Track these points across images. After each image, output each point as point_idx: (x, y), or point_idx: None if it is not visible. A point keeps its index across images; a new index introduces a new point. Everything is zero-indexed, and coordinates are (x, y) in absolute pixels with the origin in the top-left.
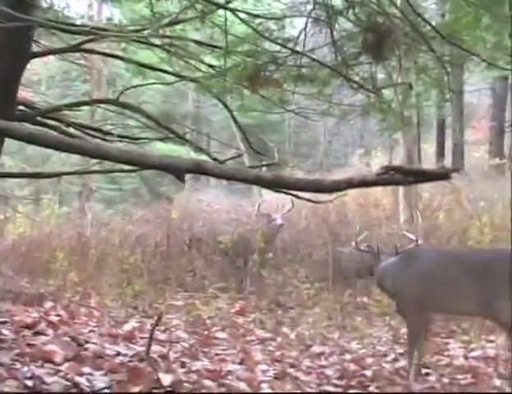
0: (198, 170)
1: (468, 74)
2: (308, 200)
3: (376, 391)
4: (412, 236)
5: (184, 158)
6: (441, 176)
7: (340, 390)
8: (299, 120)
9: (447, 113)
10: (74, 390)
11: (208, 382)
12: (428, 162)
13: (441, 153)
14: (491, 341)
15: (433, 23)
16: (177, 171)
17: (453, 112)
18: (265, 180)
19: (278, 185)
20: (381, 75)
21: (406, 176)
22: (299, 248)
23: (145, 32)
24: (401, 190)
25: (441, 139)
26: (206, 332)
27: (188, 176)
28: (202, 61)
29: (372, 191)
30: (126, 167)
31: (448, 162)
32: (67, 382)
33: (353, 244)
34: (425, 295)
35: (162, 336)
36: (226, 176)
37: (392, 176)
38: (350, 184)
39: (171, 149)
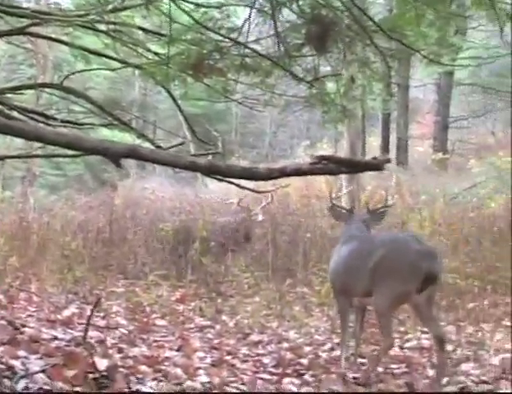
0: (134, 155)
1: (414, 69)
2: (251, 190)
3: (311, 379)
4: None
5: (120, 142)
6: (373, 166)
7: (275, 377)
8: (246, 110)
9: (393, 107)
10: (7, 373)
11: (144, 368)
12: (372, 155)
13: (385, 147)
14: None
15: (379, 17)
16: (113, 155)
17: (398, 107)
18: (200, 167)
19: (213, 171)
20: (327, 68)
21: (339, 165)
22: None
23: (90, 17)
24: (344, 182)
25: (386, 133)
26: (145, 319)
27: (134, 164)
28: (146, 48)
29: (315, 183)
30: (70, 153)
31: (392, 155)
32: (1, 365)
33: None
34: (342, 280)
35: (102, 323)
36: (161, 161)
37: (325, 166)
38: (284, 172)
39: (114, 136)
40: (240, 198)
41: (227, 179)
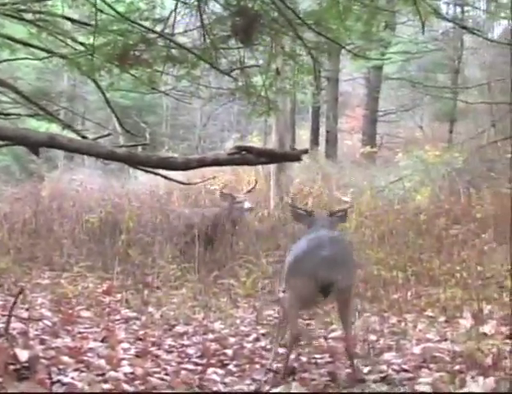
0: (54, 143)
1: (344, 63)
2: (178, 181)
3: (235, 369)
4: None
5: (39, 131)
6: (291, 157)
7: (199, 368)
8: (177, 103)
9: (322, 101)
10: None
11: (66, 359)
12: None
13: (314, 140)
14: (352, 323)
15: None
16: (32, 144)
17: (328, 100)
18: (118, 156)
19: (131, 161)
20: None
21: (258, 156)
22: (170, 229)
23: (14, 6)
24: (273, 175)
25: (316, 126)
26: (70, 311)
27: (62, 155)
28: (73, 39)
29: (244, 176)
30: None
31: (322, 148)
32: None
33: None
34: None
35: (26, 314)
36: (80, 150)
37: (244, 156)
38: (202, 163)
39: (41, 126)
40: (224, 184)
41: (155, 170)
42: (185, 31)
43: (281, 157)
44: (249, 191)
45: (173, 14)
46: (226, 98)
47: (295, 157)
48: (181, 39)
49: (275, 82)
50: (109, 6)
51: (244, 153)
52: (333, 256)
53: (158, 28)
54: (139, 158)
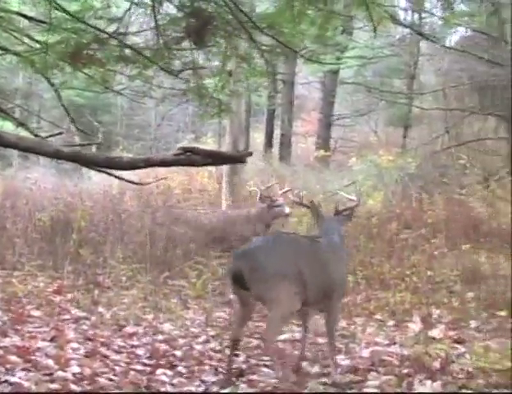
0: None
1: (300, 67)
2: (130, 182)
3: (184, 370)
4: None
5: None
6: (236, 159)
7: (148, 368)
8: (132, 102)
9: (278, 104)
10: None
11: (14, 358)
12: (257, 151)
13: (269, 142)
14: (300, 325)
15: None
16: None
17: (283, 103)
18: (64, 155)
19: (77, 160)
20: (214, 62)
21: (203, 157)
22: (122, 229)
23: None
24: (225, 177)
25: (270, 129)
26: (20, 310)
27: (16, 154)
28: (28, 36)
29: (197, 177)
30: None
31: (276, 151)
32: None
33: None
34: None
35: None
36: (26, 147)
37: (189, 157)
38: (148, 163)
39: None
40: (266, 186)
41: (108, 170)
42: (139, 31)
43: (226, 158)
44: (285, 193)
45: (127, 14)
46: (179, 99)
47: (240, 159)
48: (135, 39)
49: (227, 84)
50: (58, 6)
51: (189, 154)
52: (245, 251)
53: (112, 27)
54: (85, 158)
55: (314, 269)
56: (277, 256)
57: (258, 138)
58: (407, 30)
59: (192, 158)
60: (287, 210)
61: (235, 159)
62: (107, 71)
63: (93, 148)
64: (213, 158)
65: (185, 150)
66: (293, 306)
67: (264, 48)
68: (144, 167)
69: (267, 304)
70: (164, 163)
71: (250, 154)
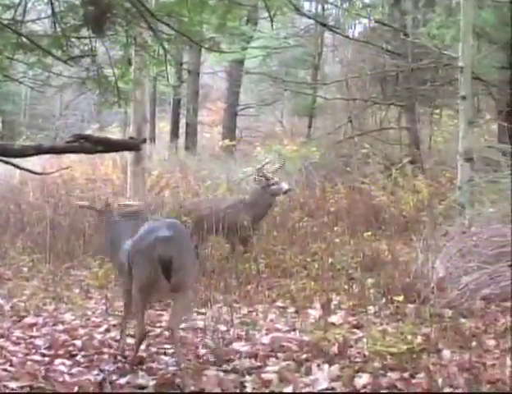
0: None
1: (206, 56)
2: (31, 171)
3: (82, 360)
4: None
5: None
6: (130, 146)
7: (46, 359)
8: (35, 92)
9: (183, 93)
10: None
11: None
12: (163, 141)
13: (175, 132)
14: (203, 314)
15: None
16: None
17: (188, 93)
18: None
19: None
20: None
21: (95, 144)
22: (22, 219)
23: None
24: (129, 166)
25: (176, 118)
26: None
27: None
28: None
29: (101, 167)
30: None
31: (181, 141)
32: None
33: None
34: None
35: None
36: None
37: (82, 145)
38: (39, 150)
39: None
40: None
41: (7, 160)
42: (37, 19)
43: (120, 145)
44: (277, 170)
45: (23, 1)
46: (79, 87)
47: (135, 146)
48: (34, 27)
49: (127, 73)
50: None
51: (82, 141)
52: (170, 237)
53: (9, 14)
54: None
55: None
56: (189, 242)
57: (164, 127)
58: (311, 21)
59: (84, 145)
60: (286, 186)
61: (130, 146)
62: (5, 58)
63: None
64: (106, 145)
65: (79, 137)
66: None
67: (164, 36)
68: (35, 154)
69: (181, 292)
70: (55, 150)
71: (145, 141)
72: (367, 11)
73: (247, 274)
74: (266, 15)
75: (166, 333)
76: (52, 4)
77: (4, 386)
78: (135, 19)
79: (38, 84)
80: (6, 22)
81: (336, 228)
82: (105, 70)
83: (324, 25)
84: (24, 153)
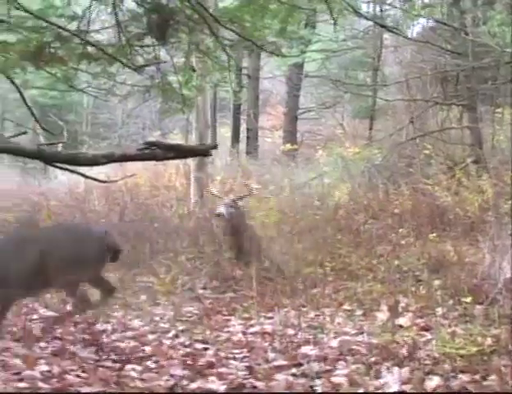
0: None
1: (265, 61)
2: (97, 180)
3: (152, 365)
4: None
5: None
6: (199, 152)
7: (117, 365)
8: (98, 101)
9: (244, 99)
10: None
11: None
12: (224, 146)
13: (235, 137)
14: (270, 318)
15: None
16: None
17: (249, 98)
18: (27, 152)
19: (40, 157)
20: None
21: (166, 151)
22: None
23: None
24: (193, 172)
25: (237, 123)
26: None
27: None
28: None
29: (165, 174)
30: None
31: (242, 146)
32: None
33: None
34: None
35: None
36: None
37: (153, 152)
38: (111, 158)
39: None
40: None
41: (72, 169)
42: (101, 29)
43: (189, 151)
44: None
45: (88, 11)
46: (143, 95)
47: (204, 151)
48: (97, 37)
49: (191, 79)
50: (19, 5)
51: (153, 148)
52: None
53: (74, 25)
54: (46, 155)
55: None
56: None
57: (225, 133)
58: (370, 23)
59: (155, 152)
60: (218, 210)
61: (199, 152)
62: (70, 69)
63: (59, 148)
64: (176, 152)
65: (149, 144)
66: None
67: (226, 42)
68: (107, 162)
69: None
70: (126, 158)
71: (215, 147)
72: (425, 11)
73: (312, 278)
74: (323, 18)
75: (234, 338)
76: (115, 13)
77: (78, 392)
78: (198, 25)
79: (102, 93)
80: (71, 32)
81: (400, 230)
82: (168, 77)
83: (383, 26)
84: (96, 161)
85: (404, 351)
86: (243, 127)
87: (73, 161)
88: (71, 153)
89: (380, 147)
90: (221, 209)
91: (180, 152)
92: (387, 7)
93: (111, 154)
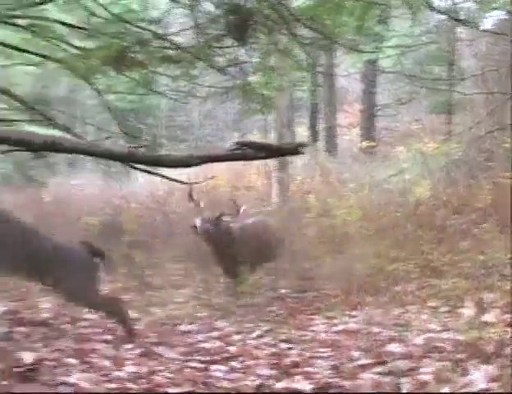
0: (52, 145)
1: (340, 58)
2: (178, 181)
3: (238, 365)
4: None
5: (38, 133)
6: (291, 150)
7: (203, 365)
8: (173, 103)
9: (320, 97)
10: None
11: (70, 360)
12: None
13: (313, 136)
14: (354, 316)
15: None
16: (31, 145)
17: (325, 96)
18: (116, 154)
19: (129, 158)
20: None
21: (257, 151)
22: (170, 229)
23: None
24: (274, 172)
25: (314, 122)
26: (74, 314)
27: (63, 160)
28: (69, 43)
29: (246, 174)
30: None
31: (321, 145)
32: None
33: None
34: None
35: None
36: (79, 150)
37: (244, 152)
38: (203, 159)
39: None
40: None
41: (154, 171)
42: (180, 31)
43: (282, 150)
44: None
45: (167, 14)
46: (222, 97)
47: (292, 150)
48: (176, 40)
49: (271, 79)
50: (103, 7)
51: (244, 148)
52: None
53: (152, 29)
54: (136, 157)
55: None
56: None
57: (302, 132)
58: (443, 17)
59: (246, 152)
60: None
61: (288, 151)
62: (150, 72)
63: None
64: (268, 151)
65: (241, 144)
66: None
67: (305, 41)
68: (200, 163)
69: None
70: (219, 159)
71: (306, 145)
72: (500, 2)
73: (396, 275)
74: (397, 13)
75: (319, 337)
76: (194, 15)
77: (166, 392)
78: (277, 25)
79: (181, 95)
80: (150, 36)
81: (484, 225)
82: (248, 77)
83: (457, 19)
84: (189, 162)
85: (491, 348)
86: (320, 126)
87: (166, 163)
88: (163, 155)
89: (459, 141)
90: (197, 222)
91: (271, 151)
92: (460, 0)
93: (203, 155)
